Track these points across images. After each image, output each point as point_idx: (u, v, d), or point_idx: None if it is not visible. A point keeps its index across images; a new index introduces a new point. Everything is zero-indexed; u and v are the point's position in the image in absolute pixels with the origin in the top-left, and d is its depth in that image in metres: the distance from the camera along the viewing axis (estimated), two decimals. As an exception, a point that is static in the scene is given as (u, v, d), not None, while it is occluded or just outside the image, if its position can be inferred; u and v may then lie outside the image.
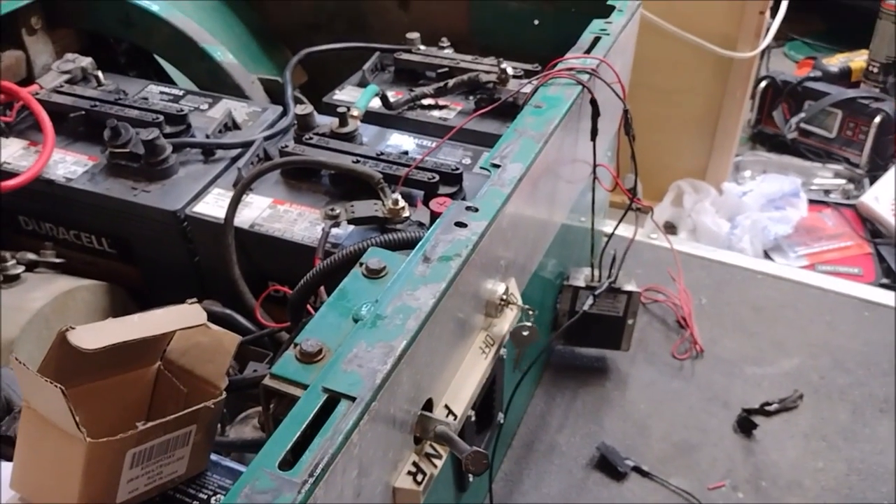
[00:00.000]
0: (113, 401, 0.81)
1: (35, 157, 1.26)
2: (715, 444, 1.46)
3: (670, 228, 2.25)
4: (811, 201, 2.38)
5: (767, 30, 2.06)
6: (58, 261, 1.27)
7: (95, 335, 0.71)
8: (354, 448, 0.69)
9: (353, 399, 0.70)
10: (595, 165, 1.32)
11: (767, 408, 1.50)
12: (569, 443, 1.46)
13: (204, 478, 0.81)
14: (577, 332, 1.54)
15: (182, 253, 1.24)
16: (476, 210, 0.93)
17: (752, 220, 2.21)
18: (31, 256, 1.25)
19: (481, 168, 1.02)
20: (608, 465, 1.41)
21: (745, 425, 1.48)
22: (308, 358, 0.75)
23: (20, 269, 1.20)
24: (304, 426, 0.68)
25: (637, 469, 1.40)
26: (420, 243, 0.88)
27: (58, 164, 1.28)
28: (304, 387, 0.72)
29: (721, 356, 1.65)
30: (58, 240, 1.33)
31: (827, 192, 2.54)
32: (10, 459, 0.78)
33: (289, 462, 0.65)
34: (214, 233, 1.16)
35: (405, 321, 0.78)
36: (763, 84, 2.78)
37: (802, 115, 2.70)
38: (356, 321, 0.79)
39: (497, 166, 1.01)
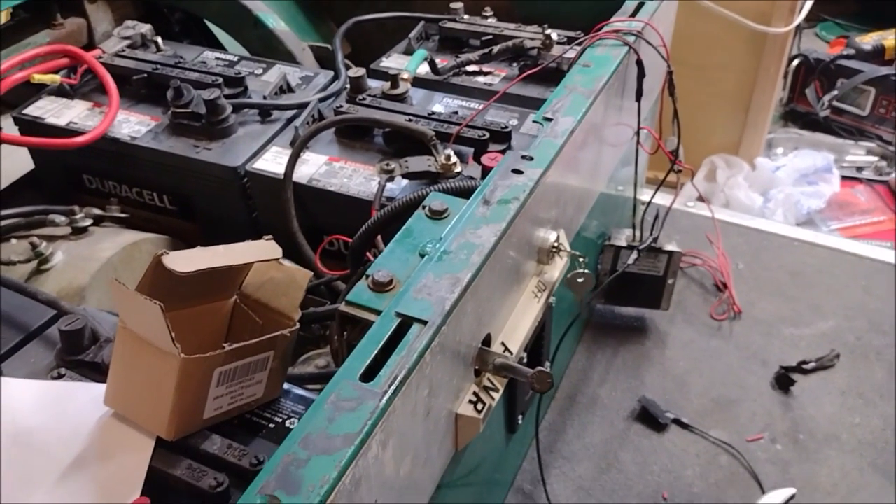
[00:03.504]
0: (194, 330, 0.85)
1: (99, 119, 1.31)
2: (754, 400, 1.49)
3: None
4: (843, 177, 2.39)
5: (802, 6, 2.07)
6: (122, 215, 1.33)
7: (187, 261, 0.76)
8: (426, 367, 0.74)
9: (424, 323, 0.75)
10: (639, 127, 1.36)
11: (805, 366, 1.53)
12: (610, 396, 1.50)
13: (278, 403, 0.86)
14: (617, 292, 1.58)
15: (241, 208, 1.29)
16: (531, 159, 0.98)
17: (785, 193, 2.23)
18: (97, 211, 1.30)
19: (534, 121, 1.07)
20: (649, 417, 1.44)
21: (783, 382, 1.51)
22: (380, 287, 0.80)
23: (88, 221, 1.26)
24: (380, 346, 0.73)
25: (677, 421, 1.44)
26: (479, 187, 0.93)
27: (122, 125, 1.33)
28: (378, 313, 0.77)
29: (758, 318, 1.68)
30: (120, 197, 1.38)
31: (859, 168, 2.54)
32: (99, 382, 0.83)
33: (368, 377, 0.70)
34: (273, 188, 1.21)
35: (469, 256, 0.83)
36: (796, 62, 2.77)
37: (835, 92, 2.69)
38: (422, 256, 0.84)
39: (549, 119, 1.06)
